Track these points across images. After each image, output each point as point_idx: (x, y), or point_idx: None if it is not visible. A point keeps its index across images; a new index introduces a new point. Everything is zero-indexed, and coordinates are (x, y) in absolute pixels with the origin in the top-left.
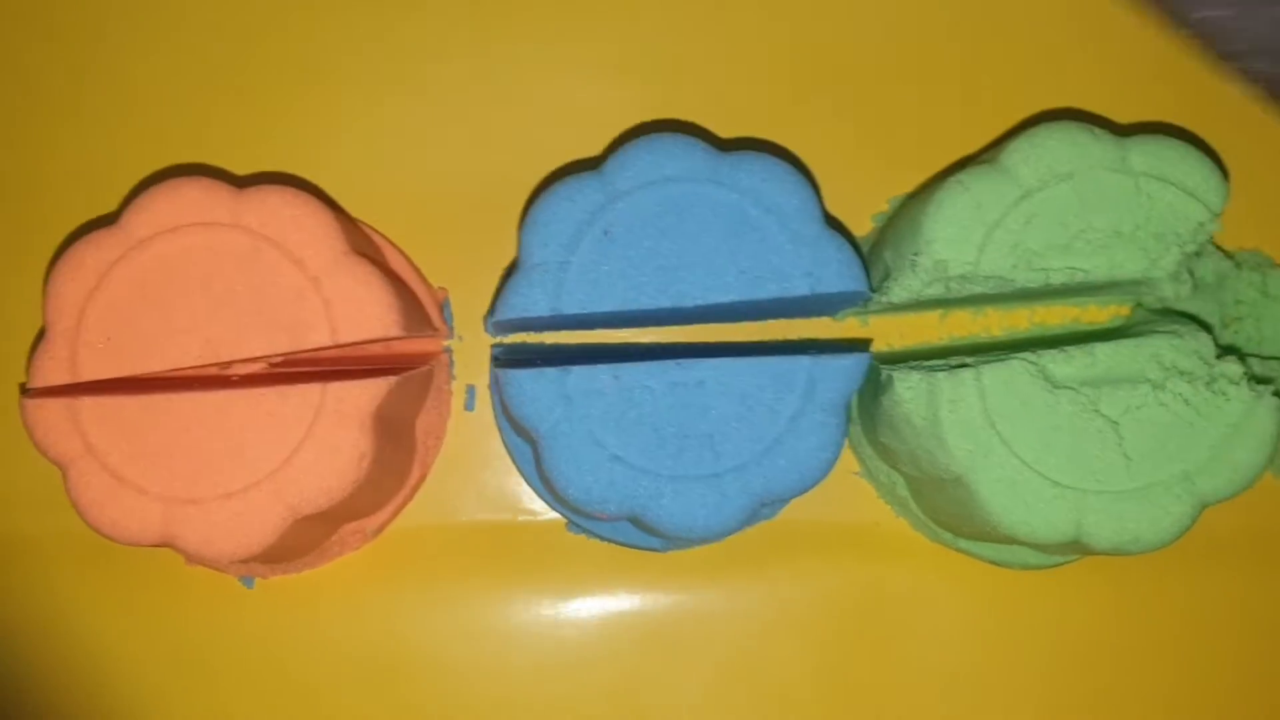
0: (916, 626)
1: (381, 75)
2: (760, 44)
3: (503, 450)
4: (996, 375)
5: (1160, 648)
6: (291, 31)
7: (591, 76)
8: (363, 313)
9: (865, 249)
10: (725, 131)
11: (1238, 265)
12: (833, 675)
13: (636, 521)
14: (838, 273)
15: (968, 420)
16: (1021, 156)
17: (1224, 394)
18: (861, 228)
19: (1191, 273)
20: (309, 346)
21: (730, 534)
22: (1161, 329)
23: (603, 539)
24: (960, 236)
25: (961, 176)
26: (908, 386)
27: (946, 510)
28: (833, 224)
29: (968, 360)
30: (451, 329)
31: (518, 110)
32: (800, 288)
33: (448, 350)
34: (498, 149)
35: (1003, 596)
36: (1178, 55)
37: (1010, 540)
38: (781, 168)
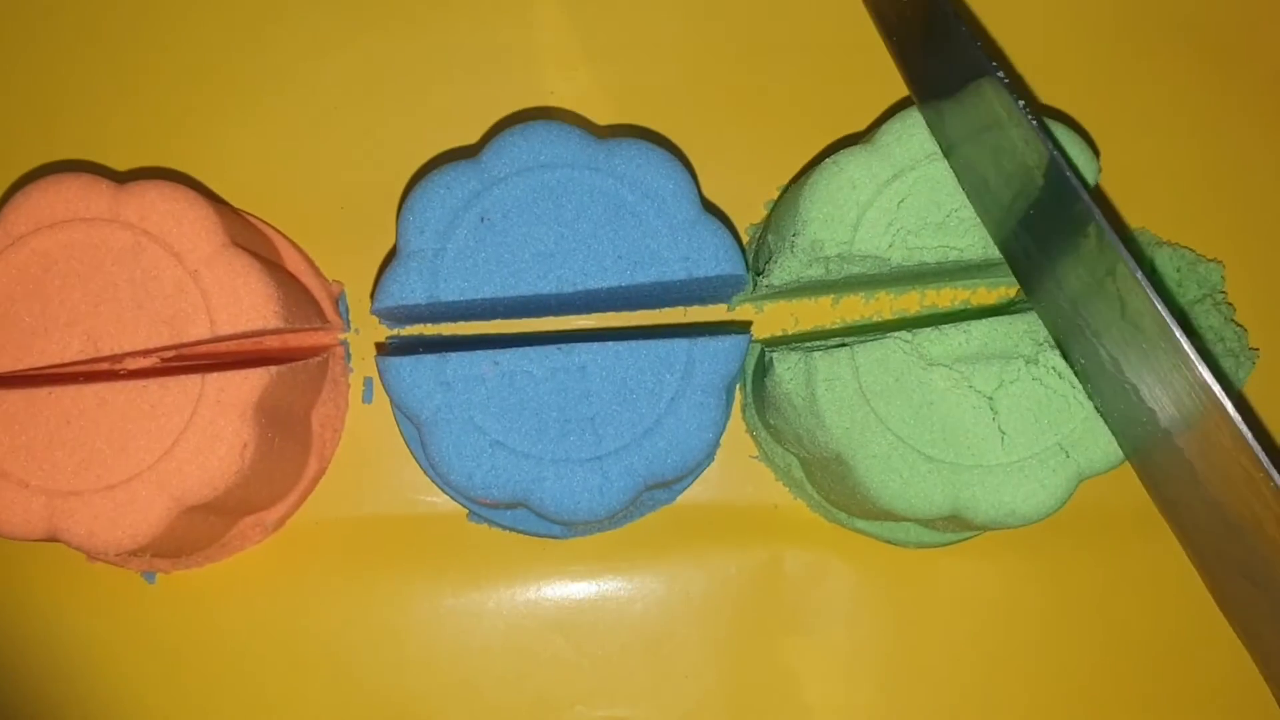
0: (816, 605)
1: (269, 71)
2: (648, 32)
3: (402, 442)
4: (870, 354)
5: (1051, 619)
6: (177, 29)
7: (478, 66)
8: (240, 304)
9: (756, 235)
10: (609, 122)
11: None
12: (735, 655)
13: (527, 506)
14: (714, 257)
15: (843, 398)
16: (894, 136)
17: None
18: (756, 215)
19: None
20: (189, 339)
21: (622, 517)
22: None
23: (504, 528)
24: (835, 216)
25: (836, 157)
26: (786, 367)
27: (836, 490)
28: (711, 210)
29: (847, 341)
30: (347, 322)
31: (405, 103)
32: (677, 272)
33: (344, 343)
34: (388, 142)
35: (898, 574)
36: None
37: (893, 516)
38: (657, 154)
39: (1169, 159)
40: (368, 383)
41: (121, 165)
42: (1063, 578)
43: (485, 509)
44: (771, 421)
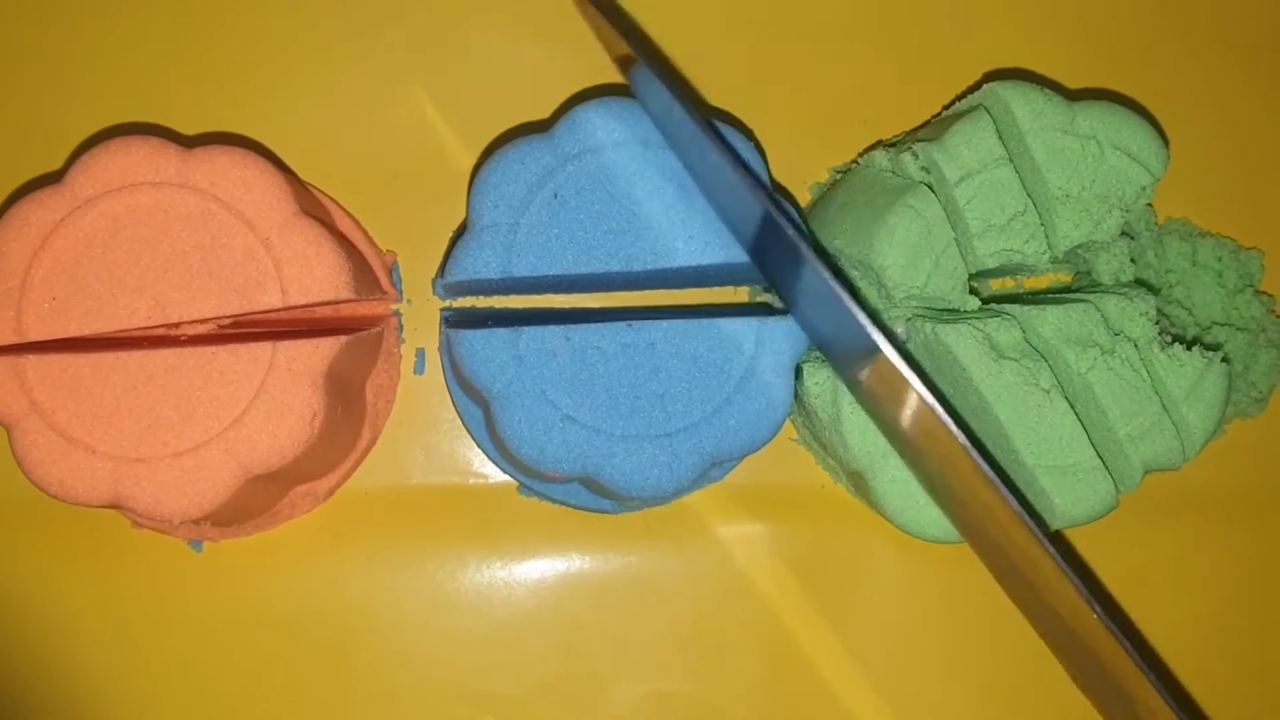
0: (859, 588)
1: (329, 36)
2: (709, 11)
3: (453, 413)
4: (943, 338)
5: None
6: None
7: (542, 39)
8: (313, 274)
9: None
10: None
11: (1166, 234)
12: (779, 636)
13: (588, 483)
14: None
15: (868, 423)
16: (964, 138)
17: (1177, 359)
18: (801, 197)
19: (1130, 236)
20: (260, 308)
21: (681, 494)
22: (1110, 290)
23: (554, 501)
24: (913, 264)
25: (912, 201)
26: (815, 382)
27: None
28: (779, 191)
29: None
30: (400, 292)
31: (467, 72)
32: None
33: (397, 314)
34: (446, 112)
35: (943, 561)
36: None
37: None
38: (732, 134)
39: (1210, 149)
40: (420, 353)
41: (180, 128)
42: (1121, 563)
43: (537, 482)
44: (800, 422)
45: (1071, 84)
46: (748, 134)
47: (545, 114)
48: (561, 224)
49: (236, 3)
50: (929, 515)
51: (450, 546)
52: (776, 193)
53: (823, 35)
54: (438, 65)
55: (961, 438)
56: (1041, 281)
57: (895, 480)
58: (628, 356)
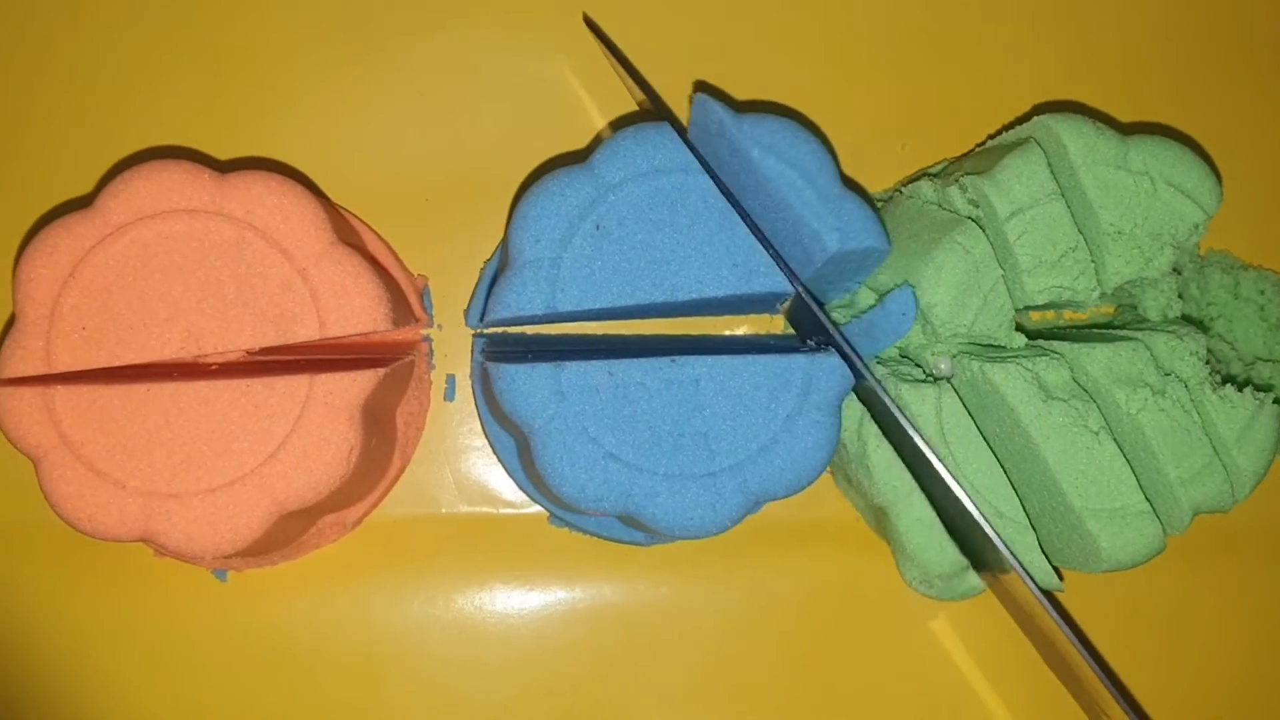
0: (891, 622)
1: (360, 60)
2: (744, 29)
3: (483, 441)
4: (988, 378)
5: (1160, 646)
6: (272, 14)
7: (575, 65)
8: (352, 306)
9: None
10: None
11: (1207, 267)
12: (810, 669)
13: (628, 519)
14: (864, 228)
15: (894, 459)
16: (1015, 173)
17: (1229, 400)
18: None
19: (1179, 272)
20: (297, 340)
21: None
22: (1159, 327)
23: (586, 533)
24: (961, 301)
25: (960, 238)
26: (846, 414)
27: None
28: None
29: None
30: (431, 317)
31: (499, 98)
32: (804, 267)
33: (427, 339)
34: (477, 136)
35: (977, 602)
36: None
37: None
38: (796, 131)
39: (1253, 181)
40: (450, 380)
41: (209, 151)
42: (1157, 607)
43: (569, 513)
44: None
45: (1121, 116)
46: (815, 130)
47: (579, 143)
48: (605, 256)
49: (268, 25)
50: (948, 556)
51: (479, 577)
52: (850, 189)
53: (863, 58)
54: (469, 88)
55: (951, 481)
56: (1082, 314)
57: (920, 519)
58: (671, 393)
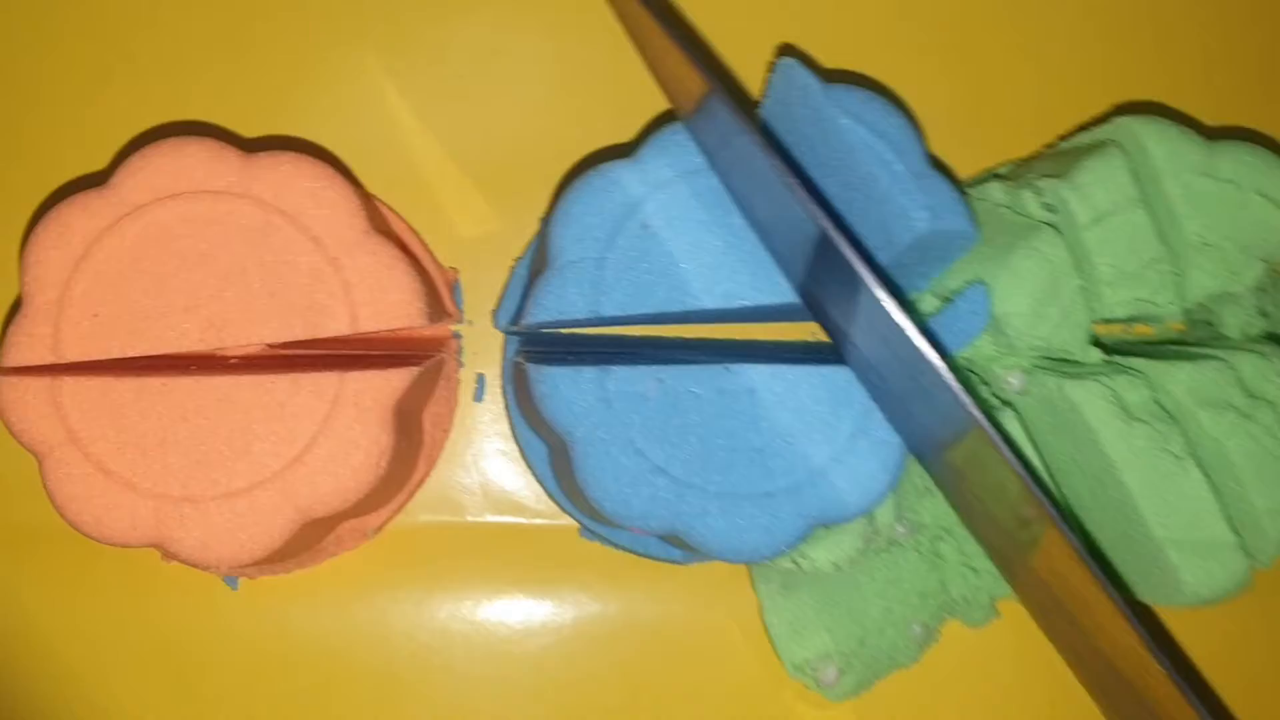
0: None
1: (397, 41)
2: (802, 20)
3: (513, 445)
4: (1070, 396)
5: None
6: None
7: (624, 44)
8: (386, 299)
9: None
10: None
11: None
12: (861, 699)
13: (671, 538)
14: (952, 206)
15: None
16: (1094, 175)
17: None
18: None
19: (1261, 289)
20: (327, 334)
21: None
22: (1241, 346)
23: (620, 548)
24: (1039, 314)
25: (1039, 244)
26: None
27: None
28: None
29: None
30: (461, 313)
31: (538, 87)
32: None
33: (457, 336)
34: (514, 125)
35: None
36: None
37: None
38: (881, 104)
39: None
40: (480, 379)
41: (235, 128)
42: (1231, 644)
43: (603, 526)
44: None
45: (1204, 120)
46: (900, 105)
47: (624, 136)
48: (652, 258)
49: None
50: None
51: (505, 590)
52: (939, 171)
53: (931, 50)
54: (507, 76)
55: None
56: (1151, 328)
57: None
58: (725, 403)
